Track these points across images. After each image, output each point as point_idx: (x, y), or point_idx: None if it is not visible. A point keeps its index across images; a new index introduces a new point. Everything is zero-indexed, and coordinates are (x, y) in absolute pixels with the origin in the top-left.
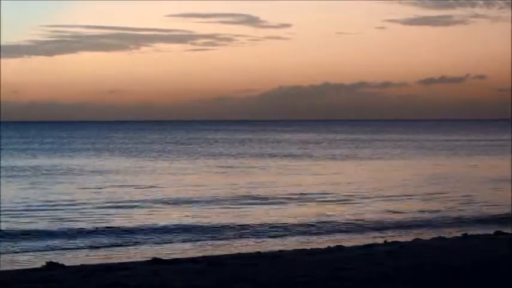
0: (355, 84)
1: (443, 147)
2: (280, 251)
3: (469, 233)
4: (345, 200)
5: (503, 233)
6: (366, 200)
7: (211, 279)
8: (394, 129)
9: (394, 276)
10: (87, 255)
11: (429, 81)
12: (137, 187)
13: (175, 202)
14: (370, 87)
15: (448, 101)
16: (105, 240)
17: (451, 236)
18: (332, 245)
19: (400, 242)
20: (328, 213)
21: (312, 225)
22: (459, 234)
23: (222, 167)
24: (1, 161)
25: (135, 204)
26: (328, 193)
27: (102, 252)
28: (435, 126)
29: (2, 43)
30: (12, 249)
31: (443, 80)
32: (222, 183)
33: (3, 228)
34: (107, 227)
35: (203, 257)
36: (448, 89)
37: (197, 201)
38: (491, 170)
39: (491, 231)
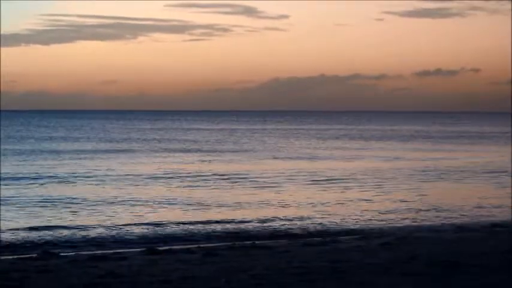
0: (351, 75)
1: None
2: (276, 241)
3: (465, 225)
4: (343, 190)
5: (499, 225)
6: (363, 191)
7: (207, 269)
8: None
9: (390, 268)
10: (82, 245)
11: (424, 74)
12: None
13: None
14: (366, 79)
15: (442, 94)
16: (99, 230)
17: (446, 228)
18: (327, 236)
19: (396, 234)
20: (323, 202)
21: (306, 216)
22: (455, 226)
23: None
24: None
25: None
26: (324, 181)
27: (96, 242)
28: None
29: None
30: (8, 238)
31: (438, 72)
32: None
33: None
34: (101, 219)
35: (198, 247)
36: (442, 82)
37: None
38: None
39: (487, 223)
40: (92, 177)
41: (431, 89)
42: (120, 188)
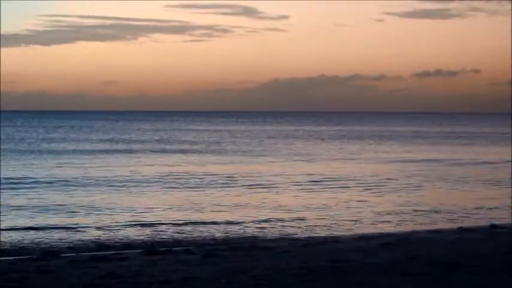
0: (351, 76)
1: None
2: (276, 242)
3: (465, 226)
4: (343, 190)
5: (498, 226)
6: (363, 192)
7: (208, 270)
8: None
9: (390, 269)
10: (81, 246)
11: (424, 75)
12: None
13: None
14: (366, 79)
15: (442, 95)
16: (99, 231)
17: (446, 229)
18: (328, 236)
19: (396, 234)
20: (324, 203)
21: (306, 217)
22: (455, 227)
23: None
24: None
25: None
26: (324, 182)
27: (96, 243)
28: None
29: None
30: (7, 238)
31: (438, 73)
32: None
33: None
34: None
35: (198, 248)
36: (442, 83)
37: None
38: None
39: (486, 225)
40: (91, 178)
41: (431, 89)
42: (119, 189)
